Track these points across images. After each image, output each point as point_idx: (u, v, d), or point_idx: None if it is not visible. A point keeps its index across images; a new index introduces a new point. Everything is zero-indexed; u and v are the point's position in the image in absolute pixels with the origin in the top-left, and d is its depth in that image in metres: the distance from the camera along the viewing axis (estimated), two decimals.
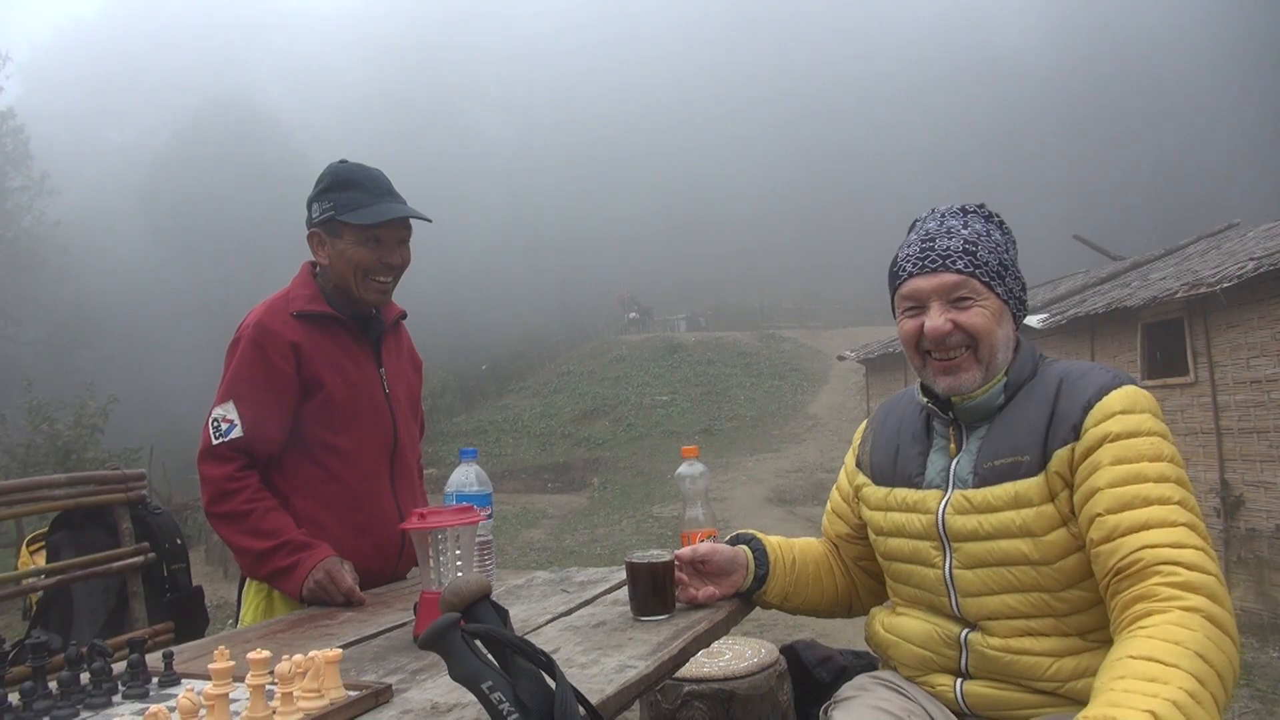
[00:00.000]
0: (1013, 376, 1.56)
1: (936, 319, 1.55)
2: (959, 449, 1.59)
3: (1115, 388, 1.46)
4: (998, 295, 1.56)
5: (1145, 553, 1.31)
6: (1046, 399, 1.50)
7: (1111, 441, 1.40)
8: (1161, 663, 1.20)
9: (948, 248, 1.57)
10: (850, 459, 1.84)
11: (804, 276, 43.64)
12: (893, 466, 1.68)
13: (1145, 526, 1.33)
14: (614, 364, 30.03)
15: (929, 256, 1.57)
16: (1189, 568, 1.28)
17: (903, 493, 1.64)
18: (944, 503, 1.55)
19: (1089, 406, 1.44)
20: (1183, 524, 1.33)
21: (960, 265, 1.55)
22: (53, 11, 71.24)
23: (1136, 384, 1.49)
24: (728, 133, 59.73)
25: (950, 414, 1.59)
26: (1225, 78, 43.05)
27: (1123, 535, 1.34)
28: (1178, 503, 1.35)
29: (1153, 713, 1.14)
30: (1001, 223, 1.63)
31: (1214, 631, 1.24)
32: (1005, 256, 1.58)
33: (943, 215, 1.64)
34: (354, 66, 62.64)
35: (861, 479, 1.76)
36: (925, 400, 1.64)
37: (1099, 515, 1.37)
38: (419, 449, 2.42)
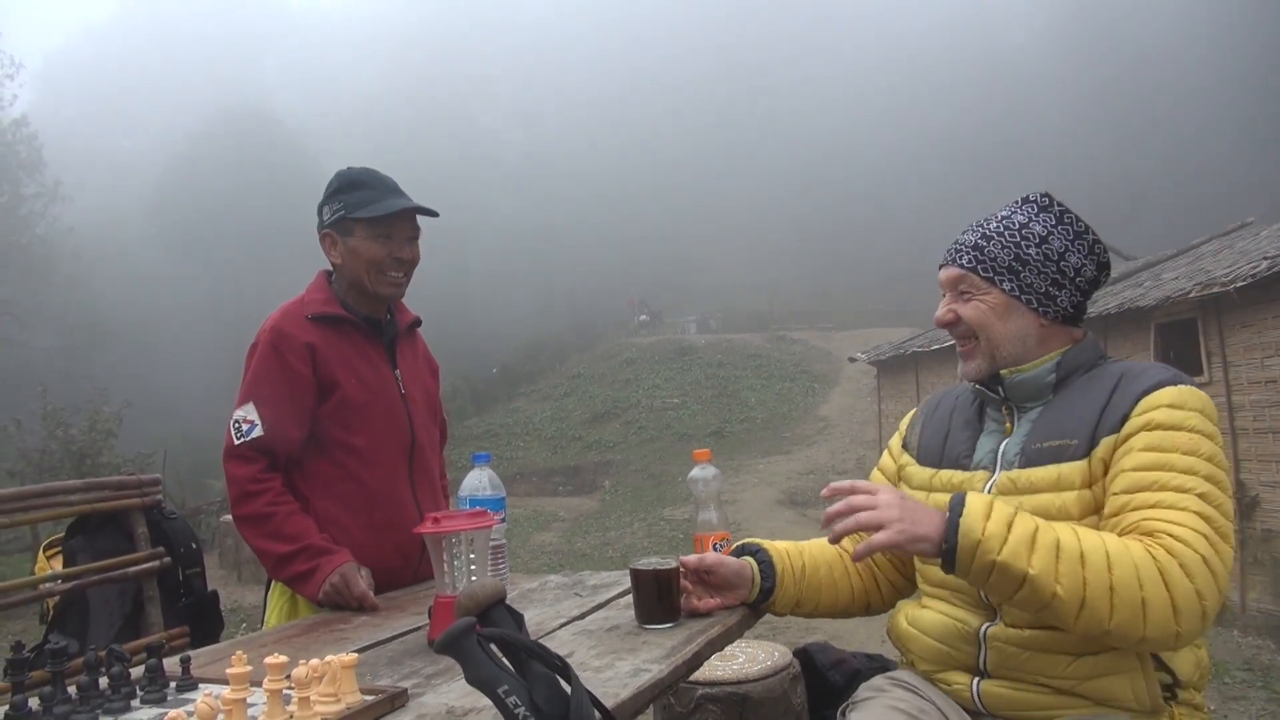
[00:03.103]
0: (1068, 359, 1.58)
1: (940, 309, 1.66)
2: (1014, 429, 1.61)
3: (1171, 384, 1.46)
4: (1003, 290, 1.59)
5: (1144, 524, 1.34)
6: (1104, 390, 1.51)
7: (1150, 430, 1.41)
8: (1071, 529, 1.32)
9: (963, 241, 1.65)
10: (896, 441, 1.86)
11: (813, 278, 43.52)
12: (941, 448, 1.70)
13: (1155, 506, 1.35)
14: (624, 367, 30.01)
15: (949, 249, 1.67)
16: (1180, 540, 1.30)
17: (948, 474, 1.66)
18: (990, 484, 1.57)
19: (1141, 397, 1.45)
20: (1193, 511, 1.34)
21: (964, 260, 1.62)
22: (64, 19, 71.66)
23: (1196, 386, 1.49)
24: (736, 135, 59.70)
25: (1001, 391, 1.61)
26: (1236, 76, 42.77)
27: (1132, 510, 1.36)
28: (1199, 495, 1.35)
29: (1018, 512, 1.34)
30: (1062, 215, 1.62)
31: (1149, 567, 1.27)
32: (1029, 250, 1.59)
33: (1003, 206, 1.69)
34: (364, 73, 62.88)
35: (907, 459, 1.78)
36: (975, 385, 1.66)
37: (1115, 494, 1.40)
38: (440, 452, 2.44)
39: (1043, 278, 1.59)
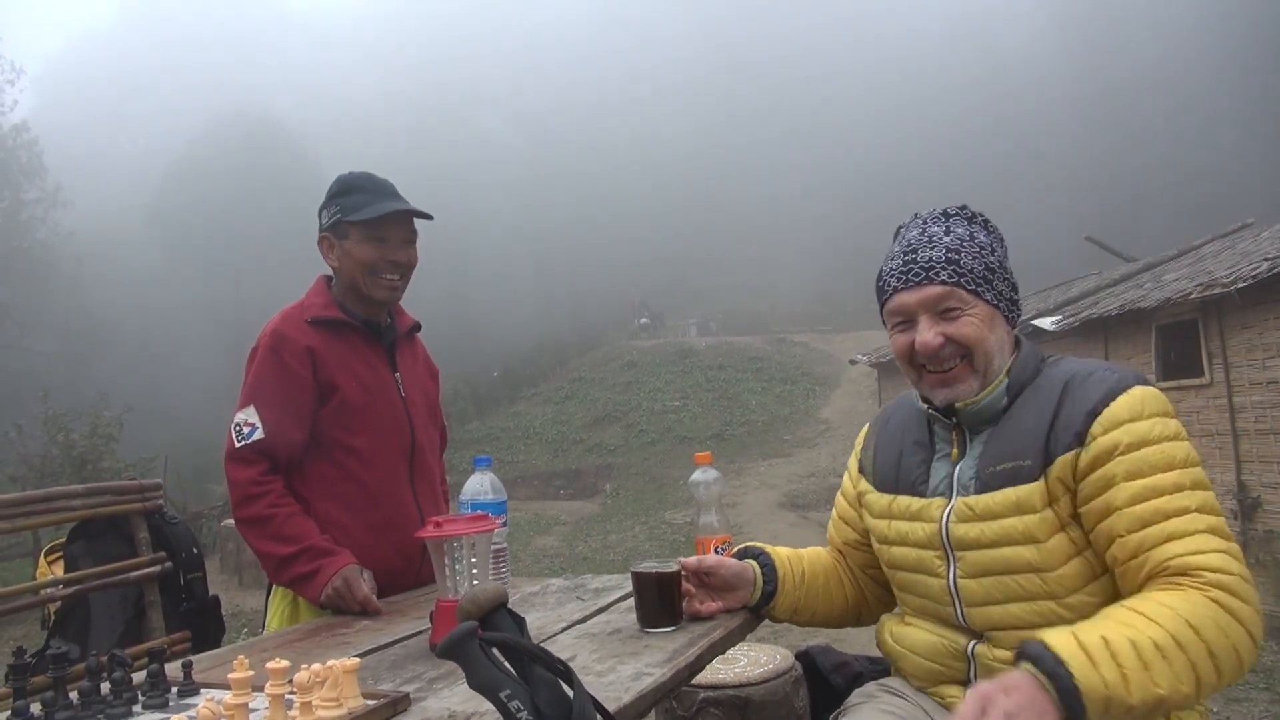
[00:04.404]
0: (1014, 377, 1.53)
1: (926, 334, 1.52)
2: (962, 454, 1.56)
3: (1121, 392, 1.42)
4: (986, 301, 1.52)
5: (1172, 562, 1.31)
6: (1050, 402, 1.46)
7: (1122, 455, 1.38)
8: (1145, 616, 1.24)
9: (930, 259, 1.53)
10: (853, 463, 1.81)
11: (814, 280, 43.55)
12: (895, 473, 1.66)
13: (1169, 539, 1.33)
14: (625, 370, 30.02)
15: (912, 269, 1.54)
16: (1213, 570, 1.29)
17: (906, 500, 1.61)
18: (948, 511, 1.53)
19: (1095, 414, 1.41)
20: (1203, 530, 1.33)
21: (944, 276, 1.51)
22: (65, 23, 71.79)
23: (1145, 382, 1.46)
24: (737, 137, 59.75)
25: (954, 419, 1.56)
26: (1237, 76, 42.77)
27: (1149, 550, 1.34)
28: (1196, 509, 1.34)
29: (1104, 637, 1.20)
30: (986, 222, 1.60)
31: (1220, 614, 1.25)
32: (991, 259, 1.54)
33: (924, 222, 1.61)
34: (365, 76, 62.92)
35: (865, 485, 1.74)
36: (925, 407, 1.61)
37: (1120, 537, 1.36)
38: (440, 455, 2.44)
39: (1006, 284, 1.56)
